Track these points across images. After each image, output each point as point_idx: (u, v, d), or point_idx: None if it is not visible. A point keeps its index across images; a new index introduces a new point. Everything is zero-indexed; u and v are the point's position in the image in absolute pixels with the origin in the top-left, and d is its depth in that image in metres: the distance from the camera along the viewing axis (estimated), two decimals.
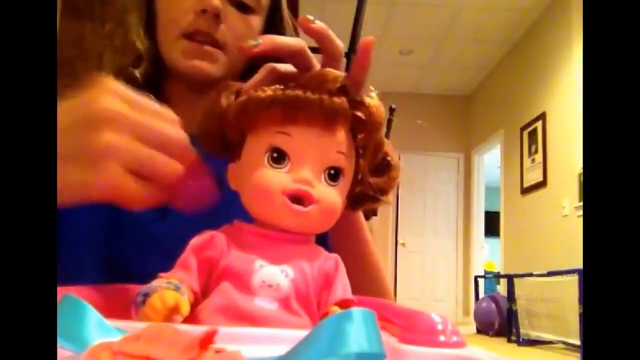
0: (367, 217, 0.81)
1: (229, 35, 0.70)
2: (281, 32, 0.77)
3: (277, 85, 0.45)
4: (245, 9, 0.72)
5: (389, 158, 0.51)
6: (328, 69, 0.46)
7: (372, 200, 0.52)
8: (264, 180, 0.44)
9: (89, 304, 0.31)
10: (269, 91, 0.45)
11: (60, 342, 0.29)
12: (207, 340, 0.28)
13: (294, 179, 0.43)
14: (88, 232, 0.68)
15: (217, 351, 0.27)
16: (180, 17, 0.70)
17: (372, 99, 0.47)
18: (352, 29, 2.03)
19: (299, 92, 0.44)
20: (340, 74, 0.46)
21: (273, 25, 0.78)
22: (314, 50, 0.52)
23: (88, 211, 0.67)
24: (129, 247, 0.67)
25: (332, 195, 0.45)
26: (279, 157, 0.44)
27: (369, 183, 0.50)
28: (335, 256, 0.47)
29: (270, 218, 0.45)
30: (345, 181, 0.47)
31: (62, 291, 0.33)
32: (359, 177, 0.49)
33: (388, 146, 0.51)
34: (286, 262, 0.43)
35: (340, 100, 0.45)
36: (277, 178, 0.44)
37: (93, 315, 0.31)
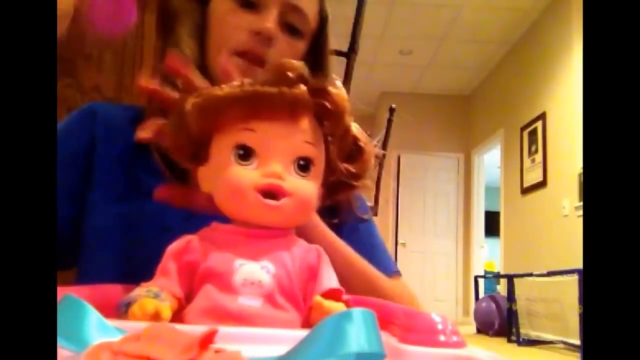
0: (366, 220, 0.80)
1: (277, 58, 0.71)
2: (322, 55, 0.78)
3: (235, 82, 0.45)
4: (295, 34, 0.73)
5: (360, 143, 0.50)
6: (285, 59, 0.46)
7: (347, 187, 0.51)
8: (234, 178, 0.44)
9: (89, 304, 0.31)
10: (226, 89, 0.44)
11: (60, 342, 0.29)
12: (207, 340, 0.28)
13: (264, 174, 0.43)
14: (113, 235, 0.67)
15: (217, 351, 0.27)
16: (232, 34, 0.70)
17: (334, 85, 0.47)
18: (352, 29, 2.02)
19: (258, 87, 0.44)
20: (298, 63, 0.46)
21: (317, 47, 0.78)
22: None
23: (114, 211, 0.68)
24: (153, 251, 0.67)
25: (304, 186, 0.45)
26: (245, 153, 0.44)
27: (341, 170, 0.50)
28: (316, 247, 0.46)
29: (244, 215, 0.45)
30: (317, 170, 0.47)
31: (62, 291, 0.33)
32: (332, 165, 0.49)
33: (358, 131, 0.50)
34: (266, 257, 0.43)
35: (301, 90, 0.44)
36: (247, 175, 0.43)
37: (93, 315, 0.31)
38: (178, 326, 0.31)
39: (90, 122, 0.73)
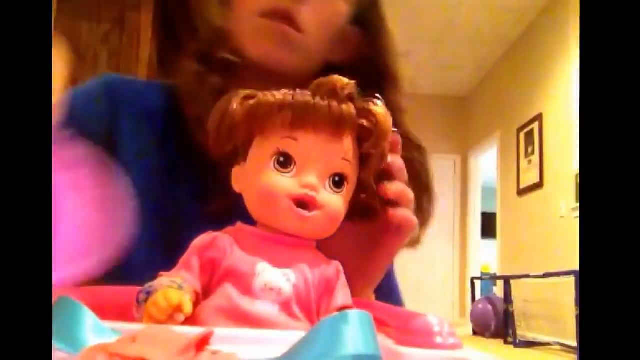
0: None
1: (312, 17, 0.63)
2: (377, 35, 0.75)
3: (287, 90, 0.45)
4: None
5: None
6: (336, 76, 0.46)
7: (375, 212, 0.52)
8: (270, 183, 0.44)
9: (84, 306, 0.31)
10: (278, 96, 0.45)
11: (56, 344, 0.29)
12: (203, 342, 0.28)
13: (300, 184, 0.44)
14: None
15: (213, 353, 0.27)
16: None
17: (379, 107, 0.47)
18: None
19: (309, 98, 0.44)
20: (349, 81, 0.46)
21: (367, 21, 0.74)
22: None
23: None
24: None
25: (335, 202, 0.45)
26: (285, 161, 0.44)
27: (373, 191, 0.50)
28: (336, 263, 0.47)
29: (274, 221, 0.45)
30: (349, 189, 0.47)
31: (57, 293, 0.33)
32: (362, 185, 0.49)
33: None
34: (288, 266, 0.43)
35: (348, 108, 0.45)
36: (283, 182, 0.44)
37: (89, 317, 0.31)
38: (174, 328, 0.30)
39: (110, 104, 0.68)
